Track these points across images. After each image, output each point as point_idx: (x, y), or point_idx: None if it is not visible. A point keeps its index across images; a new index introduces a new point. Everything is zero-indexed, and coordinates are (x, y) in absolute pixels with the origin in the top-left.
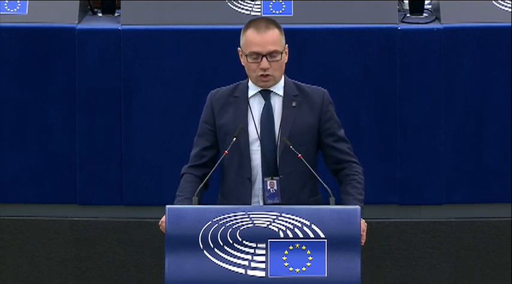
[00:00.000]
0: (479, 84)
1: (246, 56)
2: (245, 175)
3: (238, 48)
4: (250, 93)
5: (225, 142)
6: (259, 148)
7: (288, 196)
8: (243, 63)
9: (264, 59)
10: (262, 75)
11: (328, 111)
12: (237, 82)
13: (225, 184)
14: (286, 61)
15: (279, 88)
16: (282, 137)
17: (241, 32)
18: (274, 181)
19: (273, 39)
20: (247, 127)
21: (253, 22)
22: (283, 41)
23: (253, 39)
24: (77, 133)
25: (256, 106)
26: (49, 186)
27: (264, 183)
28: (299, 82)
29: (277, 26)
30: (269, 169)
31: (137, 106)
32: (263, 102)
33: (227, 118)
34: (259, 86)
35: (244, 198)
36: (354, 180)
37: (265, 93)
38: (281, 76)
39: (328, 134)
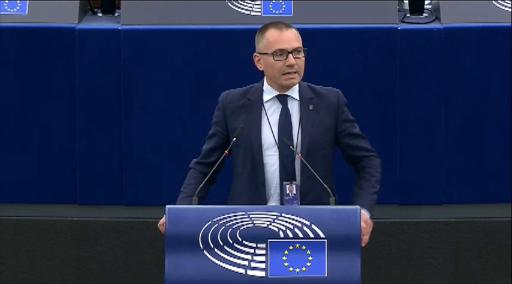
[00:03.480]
0: (479, 84)
1: (271, 54)
2: (259, 180)
3: (255, 54)
4: (266, 97)
5: (238, 147)
6: (277, 153)
7: (310, 199)
8: (261, 68)
9: (290, 55)
10: (288, 72)
11: (344, 111)
12: (250, 85)
13: (237, 188)
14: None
15: (295, 93)
16: (283, 138)
17: (257, 36)
18: (294, 186)
19: (296, 36)
20: (260, 132)
21: (271, 24)
22: None
23: (276, 38)
24: (77, 133)
25: (272, 111)
26: (49, 186)
27: (283, 187)
28: (312, 85)
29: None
30: (287, 174)
31: (137, 106)
32: (280, 106)
33: (240, 123)
34: (284, 85)
35: (257, 203)
36: (368, 173)
37: (282, 98)
38: (301, 77)
39: (345, 134)
